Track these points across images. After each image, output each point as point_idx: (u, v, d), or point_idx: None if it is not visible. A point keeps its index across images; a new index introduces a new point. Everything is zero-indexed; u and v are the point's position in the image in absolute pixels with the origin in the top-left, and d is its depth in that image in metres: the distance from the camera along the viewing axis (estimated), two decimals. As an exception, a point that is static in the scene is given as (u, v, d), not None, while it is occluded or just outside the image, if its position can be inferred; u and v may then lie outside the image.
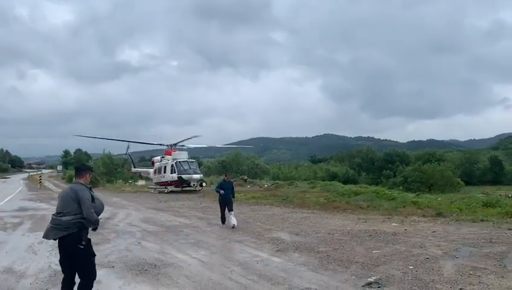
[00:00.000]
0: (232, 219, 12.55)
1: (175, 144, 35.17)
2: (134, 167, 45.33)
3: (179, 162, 31.87)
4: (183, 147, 36.06)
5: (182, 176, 30.77)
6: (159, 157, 36.49)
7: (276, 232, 11.61)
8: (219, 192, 13.11)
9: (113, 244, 10.32)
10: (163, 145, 35.81)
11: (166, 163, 33.09)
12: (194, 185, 30.91)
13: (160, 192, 32.49)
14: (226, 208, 12.99)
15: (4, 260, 8.51)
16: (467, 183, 55.81)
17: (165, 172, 32.88)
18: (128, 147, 45.94)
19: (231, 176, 15.22)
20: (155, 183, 35.34)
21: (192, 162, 33.19)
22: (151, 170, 37.53)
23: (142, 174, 42.79)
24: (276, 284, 6.61)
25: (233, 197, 13.50)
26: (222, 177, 15.94)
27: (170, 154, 33.80)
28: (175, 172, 31.27)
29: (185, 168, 31.46)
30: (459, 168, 63.92)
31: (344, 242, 9.77)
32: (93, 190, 5.40)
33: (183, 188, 31.28)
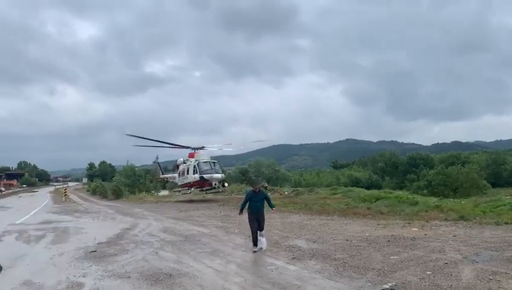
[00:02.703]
0: (262, 240, 10.21)
1: (200, 148, 35.50)
2: (163, 174, 46.23)
3: (201, 162, 32.40)
4: (206, 149, 36.41)
5: (204, 175, 31.20)
6: (181, 159, 37.01)
7: (293, 239, 11.53)
8: (241, 210, 10.86)
9: (131, 254, 10.42)
10: (190, 148, 36.21)
11: (189, 165, 33.63)
12: (215, 184, 31.25)
13: (184, 193, 33.59)
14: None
15: (24, 272, 8.69)
16: (494, 185, 54.20)
17: (188, 173, 33.43)
18: (157, 157, 47.15)
19: (260, 185, 11.56)
20: (179, 185, 36.09)
21: (214, 162, 33.55)
22: (176, 175, 38.11)
23: (169, 180, 43.55)
24: (290, 292, 6.55)
25: (273, 207, 10.95)
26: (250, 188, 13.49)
27: (193, 157, 34.29)
28: (197, 172, 31.77)
29: (207, 168, 31.91)
30: (485, 170, 62.13)
31: (362, 249, 9.62)
32: None
33: (207, 191, 31.75)
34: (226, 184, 32.47)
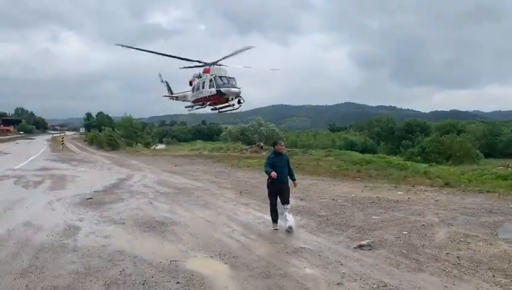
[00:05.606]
0: (288, 217, 7.93)
1: (215, 62, 35.00)
2: (172, 94, 45.20)
3: (218, 76, 31.98)
4: (222, 66, 35.87)
5: (221, 89, 30.85)
6: (197, 72, 36.22)
7: (283, 196, 11.96)
8: (269, 174, 7.88)
9: (126, 203, 10.89)
10: (201, 62, 35.58)
11: (205, 78, 33.41)
12: (231, 99, 31.24)
13: (197, 109, 33.99)
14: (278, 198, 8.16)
15: (24, 215, 9.15)
16: (489, 155, 54.87)
17: (203, 88, 33.19)
18: (160, 76, 44.72)
19: (284, 145, 8.64)
20: (192, 101, 35.65)
21: (230, 77, 33.02)
22: (189, 92, 37.77)
23: (179, 98, 42.71)
24: (273, 243, 7.03)
25: (294, 179, 8.43)
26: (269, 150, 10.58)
27: (209, 72, 34.03)
28: (213, 86, 31.43)
29: (224, 82, 31.60)
30: (480, 140, 62.72)
31: (345, 208, 10.10)
32: None
33: (221, 110, 31.79)
34: (242, 101, 32.19)
